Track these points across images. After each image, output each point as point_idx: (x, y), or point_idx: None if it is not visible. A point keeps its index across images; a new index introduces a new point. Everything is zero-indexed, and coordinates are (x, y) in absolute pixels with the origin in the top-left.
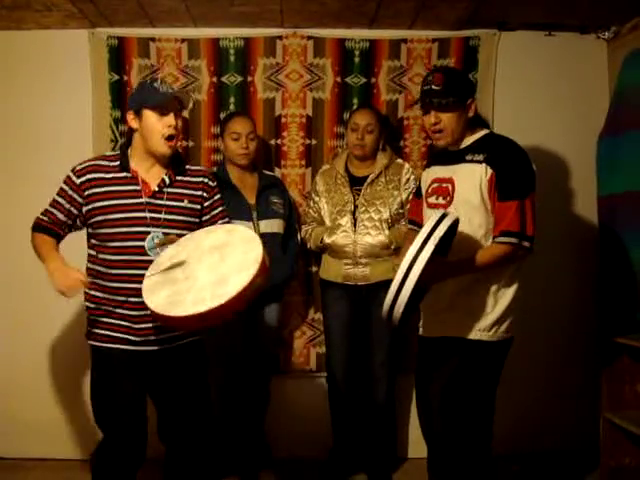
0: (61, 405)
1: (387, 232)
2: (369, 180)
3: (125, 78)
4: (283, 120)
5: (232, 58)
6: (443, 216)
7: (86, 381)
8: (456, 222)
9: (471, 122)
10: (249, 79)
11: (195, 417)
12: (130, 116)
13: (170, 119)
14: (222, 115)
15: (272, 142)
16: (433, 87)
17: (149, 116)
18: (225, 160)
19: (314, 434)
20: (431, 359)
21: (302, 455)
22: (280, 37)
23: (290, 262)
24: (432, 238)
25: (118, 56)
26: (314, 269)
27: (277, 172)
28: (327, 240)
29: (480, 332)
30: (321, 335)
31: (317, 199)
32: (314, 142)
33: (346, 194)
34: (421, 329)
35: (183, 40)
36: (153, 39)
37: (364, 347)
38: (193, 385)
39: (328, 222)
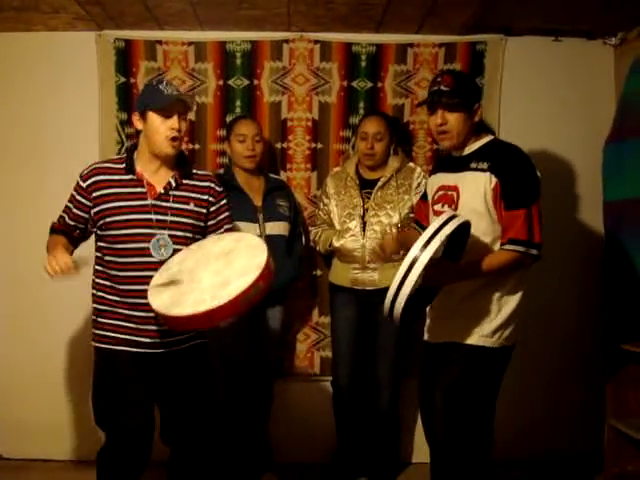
0: (63, 406)
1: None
2: (380, 184)
3: (132, 80)
4: (289, 124)
5: (239, 61)
6: (451, 217)
7: (88, 382)
8: (467, 225)
9: (476, 128)
10: (255, 82)
11: (199, 420)
12: (135, 117)
13: (173, 122)
14: (228, 118)
15: (278, 146)
16: (442, 87)
17: (153, 118)
18: (231, 163)
19: (317, 438)
20: (434, 364)
21: (305, 459)
22: (287, 41)
23: (294, 264)
24: (437, 237)
25: (125, 58)
26: (319, 272)
27: (283, 176)
28: (336, 244)
29: (483, 338)
30: (326, 339)
31: (327, 201)
32: (320, 146)
33: (355, 197)
34: (426, 334)
35: (190, 43)
36: (160, 42)
37: (370, 352)
38: (197, 388)
39: (337, 225)
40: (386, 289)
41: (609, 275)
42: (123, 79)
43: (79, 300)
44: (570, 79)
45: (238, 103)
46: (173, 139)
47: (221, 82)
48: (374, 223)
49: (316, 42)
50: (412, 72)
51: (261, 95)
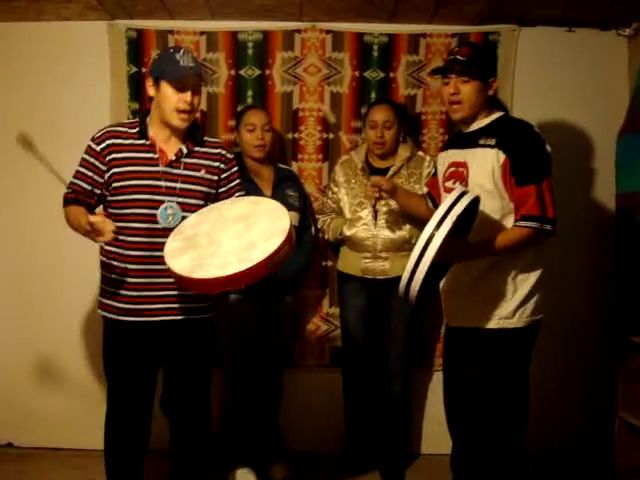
0: (73, 395)
1: (408, 226)
2: (390, 173)
3: (144, 70)
4: (300, 114)
5: (250, 51)
6: (462, 194)
7: (99, 371)
8: (476, 201)
9: (489, 103)
10: (267, 72)
11: (199, 390)
12: (149, 83)
13: (187, 96)
14: (240, 108)
15: (289, 136)
16: (458, 57)
17: (166, 88)
18: (242, 153)
19: (327, 428)
20: (458, 351)
21: (315, 449)
22: (299, 31)
23: (304, 254)
24: (450, 215)
25: (137, 48)
26: (330, 263)
27: (294, 166)
28: (347, 233)
29: (502, 320)
30: (336, 330)
31: (336, 189)
32: (331, 136)
33: (366, 186)
34: (445, 317)
35: (202, 33)
36: (172, 32)
37: (380, 341)
38: (200, 359)
39: (348, 214)
40: (397, 278)
41: (620, 268)
42: (135, 69)
43: (89, 288)
44: (583, 70)
45: (249, 93)
46: (183, 112)
47: (233, 72)
48: (386, 212)
49: (328, 32)
50: (424, 62)
51: (272, 85)
